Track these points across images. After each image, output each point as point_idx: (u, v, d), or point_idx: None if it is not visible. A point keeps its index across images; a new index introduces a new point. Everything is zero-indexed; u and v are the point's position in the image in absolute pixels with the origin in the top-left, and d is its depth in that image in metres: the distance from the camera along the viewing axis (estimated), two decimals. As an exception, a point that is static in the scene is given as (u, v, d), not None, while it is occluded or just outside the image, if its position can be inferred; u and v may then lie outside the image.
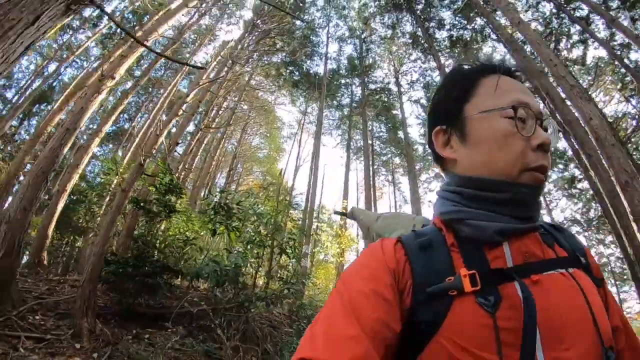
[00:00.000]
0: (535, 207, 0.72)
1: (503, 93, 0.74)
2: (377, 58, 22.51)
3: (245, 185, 29.85)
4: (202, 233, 9.46)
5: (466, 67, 0.84)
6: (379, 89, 22.49)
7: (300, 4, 20.57)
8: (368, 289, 0.64)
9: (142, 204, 7.58)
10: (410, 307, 0.65)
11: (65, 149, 6.32)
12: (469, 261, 0.67)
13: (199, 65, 10.26)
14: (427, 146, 0.86)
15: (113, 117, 10.91)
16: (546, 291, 0.63)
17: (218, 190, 24.31)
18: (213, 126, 18.11)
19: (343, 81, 23.62)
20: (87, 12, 17.47)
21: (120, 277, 5.87)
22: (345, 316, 0.61)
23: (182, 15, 11.79)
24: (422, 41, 17.72)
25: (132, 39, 7.36)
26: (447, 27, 17.61)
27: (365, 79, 22.47)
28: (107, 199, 11.45)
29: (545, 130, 0.76)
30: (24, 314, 4.76)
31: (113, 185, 11.25)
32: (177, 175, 12.13)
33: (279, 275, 9.90)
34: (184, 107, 8.37)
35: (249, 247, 8.39)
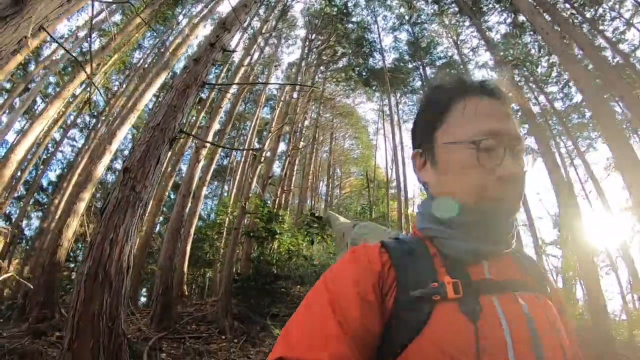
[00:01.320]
0: (501, 233, 0.76)
1: (472, 120, 0.76)
2: (434, 34, 23.14)
3: (348, 187, 32.32)
4: (304, 244, 11.83)
5: (442, 87, 0.85)
6: (444, 64, 23.12)
7: (345, 10, 22.19)
8: (351, 291, 0.67)
9: (252, 234, 10.22)
10: (393, 309, 0.68)
11: (187, 210, 9.10)
12: (451, 271, 0.71)
13: (256, 148, 12.78)
14: None
15: (213, 165, 13.89)
16: (519, 308, 0.68)
17: (322, 199, 26.96)
18: (300, 145, 20.74)
19: (410, 66, 24.59)
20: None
21: (245, 289, 8.42)
22: (327, 316, 0.64)
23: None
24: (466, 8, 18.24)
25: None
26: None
27: (429, 58, 23.29)
28: (224, 234, 14.44)
29: (520, 154, 0.78)
30: (183, 325, 7.47)
31: (227, 222, 14.29)
32: (277, 199, 14.87)
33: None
34: (265, 154, 10.85)
35: (340, 247, 10.56)
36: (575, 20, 16.28)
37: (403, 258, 0.74)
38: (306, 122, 22.49)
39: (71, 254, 11.83)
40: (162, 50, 13.68)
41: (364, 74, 24.71)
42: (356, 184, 30.86)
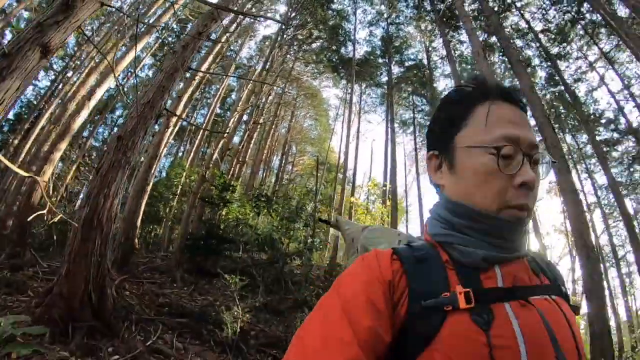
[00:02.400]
0: (517, 240, 0.78)
1: (492, 126, 0.78)
2: (408, 37, 24.66)
3: (301, 165, 33.84)
4: (251, 215, 13.27)
5: (461, 90, 0.88)
6: (412, 66, 24.82)
7: (328, -5, 23.14)
8: (362, 298, 0.69)
9: (206, 200, 11.53)
10: (404, 318, 0.69)
11: (152, 171, 10.28)
12: (463, 279, 0.72)
13: (221, 131, 13.94)
14: None
15: (176, 129, 14.89)
16: (533, 315, 0.70)
17: (273, 173, 28.21)
18: (261, 120, 21.76)
19: (380, 60, 26.07)
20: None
21: (196, 248, 9.80)
22: (339, 322, 0.66)
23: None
24: (445, 19, 19.78)
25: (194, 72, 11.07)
26: (468, 2, 19.62)
27: (399, 57, 24.91)
28: (178, 194, 15.64)
29: (537, 162, 0.81)
30: (140, 272, 8.77)
31: (181, 185, 15.53)
32: (232, 169, 16.16)
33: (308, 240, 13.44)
34: (226, 132, 12.09)
35: (282, 222, 12.15)
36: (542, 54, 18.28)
37: (415, 266, 0.75)
38: (270, 97, 23.45)
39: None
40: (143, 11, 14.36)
41: (334, 60, 25.91)
42: (309, 163, 32.32)
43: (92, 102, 9.74)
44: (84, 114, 9.51)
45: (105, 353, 4.57)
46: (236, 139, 20.30)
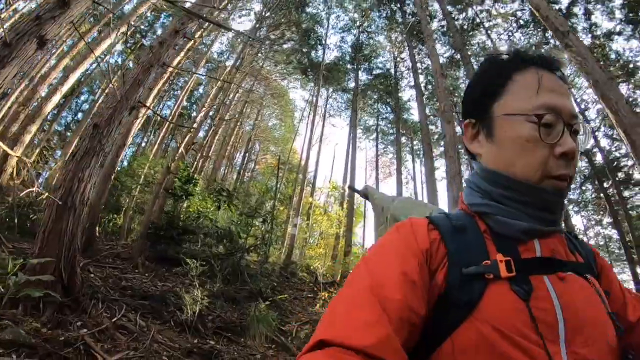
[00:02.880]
0: (557, 212, 0.77)
1: (533, 94, 0.77)
2: (378, 46, 25.70)
3: (263, 163, 34.24)
4: (212, 209, 13.68)
5: (500, 58, 0.86)
6: (380, 74, 25.84)
7: (303, -1, 23.80)
8: (395, 270, 0.67)
9: (169, 191, 11.89)
10: (443, 286, 0.69)
11: (119, 159, 10.59)
12: (502, 249, 0.72)
13: (188, 125, 14.31)
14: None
15: (142, 119, 15.16)
16: (571, 289, 0.70)
17: (235, 170, 28.49)
18: (227, 116, 22.07)
19: (349, 66, 26.96)
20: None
21: (157, 237, 10.18)
22: (369, 297, 0.63)
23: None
24: (414, 32, 20.79)
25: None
26: (438, 18, 20.79)
27: (368, 65, 25.89)
28: (141, 184, 15.85)
29: (577, 133, 0.79)
30: (103, 258, 9.09)
31: (144, 175, 15.77)
32: (196, 163, 16.48)
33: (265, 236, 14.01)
34: (193, 126, 12.51)
35: (242, 217, 12.67)
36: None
37: (453, 234, 0.75)
38: (238, 94, 23.78)
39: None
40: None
41: (304, 62, 26.58)
42: (271, 162, 32.76)
43: (65, 87, 9.97)
44: (56, 98, 9.74)
45: (75, 326, 4.98)
46: (201, 134, 20.69)
